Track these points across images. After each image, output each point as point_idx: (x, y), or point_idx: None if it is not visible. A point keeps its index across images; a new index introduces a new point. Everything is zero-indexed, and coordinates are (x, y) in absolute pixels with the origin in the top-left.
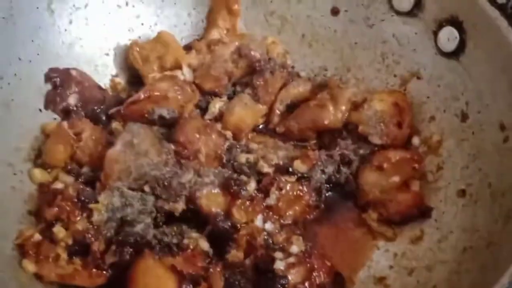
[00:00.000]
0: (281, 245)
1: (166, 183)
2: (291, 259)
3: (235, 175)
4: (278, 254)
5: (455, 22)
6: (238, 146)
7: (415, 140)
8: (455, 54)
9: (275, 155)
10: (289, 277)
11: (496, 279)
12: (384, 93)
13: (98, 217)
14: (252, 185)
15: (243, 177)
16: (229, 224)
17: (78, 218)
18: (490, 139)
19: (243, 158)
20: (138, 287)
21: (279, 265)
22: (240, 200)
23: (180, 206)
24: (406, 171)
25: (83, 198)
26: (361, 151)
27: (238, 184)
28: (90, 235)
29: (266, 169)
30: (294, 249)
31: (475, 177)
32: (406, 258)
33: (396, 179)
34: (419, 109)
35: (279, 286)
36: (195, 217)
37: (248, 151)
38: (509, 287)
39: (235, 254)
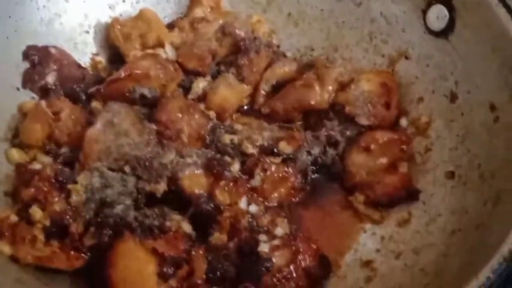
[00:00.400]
0: (265, 228)
1: (147, 164)
2: (276, 242)
3: (218, 156)
4: (262, 237)
5: (445, 0)
6: (222, 127)
7: (403, 121)
8: (444, 33)
9: (260, 136)
10: (274, 260)
11: (486, 261)
12: (372, 73)
13: (76, 198)
14: (236, 166)
15: (227, 158)
16: (212, 206)
17: (56, 199)
18: (479, 119)
19: (227, 138)
20: (117, 270)
21: (264, 248)
22: (223, 182)
23: (161, 187)
24: (394, 152)
25: (61, 179)
26: (348, 132)
27: (222, 165)
28: (68, 217)
29: (251, 150)
30: (279, 231)
31: (464, 158)
32: (394, 241)
33: (383, 160)
34: (407, 89)
35: (263, 269)
36: (177, 198)
37: (232, 131)
38: (499, 269)
39: (218, 237)
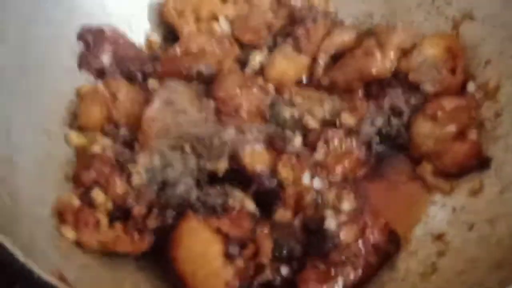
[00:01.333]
0: (331, 203)
1: (207, 141)
2: (343, 217)
3: (279, 131)
4: (329, 213)
5: None
6: (281, 101)
7: (471, 86)
8: None
9: (321, 108)
10: (341, 236)
11: None
12: (435, 37)
13: (138, 179)
14: (297, 140)
15: (288, 132)
16: (275, 182)
17: (117, 181)
18: None
19: (287, 112)
20: (182, 251)
21: (330, 224)
22: (285, 157)
23: (223, 165)
24: (462, 119)
25: (121, 160)
26: (413, 101)
27: (283, 140)
28: (130, 199)
29: (312, 123)
30: (346, 206)
31: None
32: (466, 212)
33: (451, 128)
34: (474, 52)
35: (331, 245)
36: (239, 176)
37: (292, 105)
38: None
39: (282, 214)
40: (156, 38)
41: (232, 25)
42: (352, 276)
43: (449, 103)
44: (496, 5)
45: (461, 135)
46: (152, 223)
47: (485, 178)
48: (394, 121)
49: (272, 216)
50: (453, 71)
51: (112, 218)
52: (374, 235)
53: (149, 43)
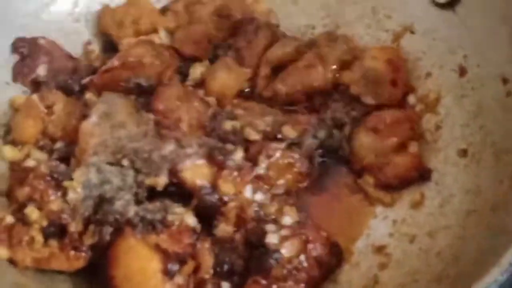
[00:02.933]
0: (273, 217)
1: (146, 156)
2: (284, 232)
3: (220, 144)
4: (270, 227)
5: None
6: (222, 113)
7: (411, 99)
8: (451, 4)
9: (263, 121)
10: (283, 251)
11: (507, 246)
12: (376, 50)
13: (73, 195)
14: (239, 154)
15: (229, 146)
16: (216, 197)
17: (52, 198)
18: (491, 94)
19: (228, 125)
20: (119, 269)
21: (272, 239)
22: (226, 171)
23: (162, 180)
24: (403, 131)
25: (56, 176)
26: (354, 113)
27: (224, 154)
28: (66, 215)
29: (254, 136)
30: (287, 220)
31: (476, 136)
32: (407, 224)
33: (392, 141)
34: (414, 65)
35: (273, 260)
36: (179, 191)
37: (234, 117)
38: None
39: (224, 229)
40: (94, 48)
41: (172, 36)
42: None
43: (389, 115)
44: (436, 20)
45: (402, 147)
46: (88, 240)
47: (426, 190)
48: (336, 133)
49: (213, 231)
50: (394, 83)
51: (47, 234)
52: (316, 249)
53: (86, 53)
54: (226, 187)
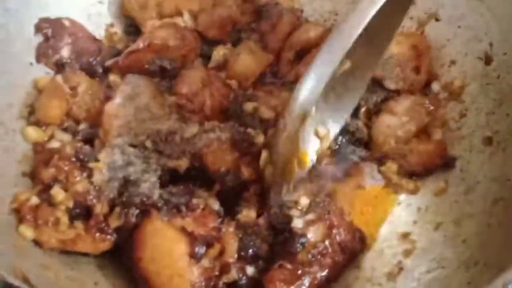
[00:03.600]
0: (294, 202)
1: (169, 138)
2: (310, 216)
3: (242, 129)
4: (295, 212)
5: None
6: (243, 95)
7: (435, 86)
8: None
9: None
10: (308, 236)
11: None
12: (401, 36)
13: (99, 176)
14: (260, 138)
15: (251, 131)
16: (238, 182)
17: (78, 179)
18: None
19: (249, 106)
20: (146, 251)
21: (297, 223)
22: (249, 156)
23: (184, 163)
24: (421, 117)
25: (81, 157)
26: (375, 98)
27: (246, 139)
28: (91, 197)
29: (267, 114)
30: (304, 201)
31: (502, 123)
32: (431, 212)
33: (411, 126)
34: (439, 53)
35: (299, 245)
36: (201, 175)
37: (255, 100)
38: None
39: (247, 214)
40: (117, 30)
41: (196, 20)
42: (318, 276)
43: (406, 100)
44: (462, 7)
45: (426, 134)
46: (114, 222)
47: (450, 178)
48: (355, 121)
49: (236, 216)
50: (417, 70)
51: (73, 216)
52: (340, 234)
53: (109, 35)
54: (248, 172)
